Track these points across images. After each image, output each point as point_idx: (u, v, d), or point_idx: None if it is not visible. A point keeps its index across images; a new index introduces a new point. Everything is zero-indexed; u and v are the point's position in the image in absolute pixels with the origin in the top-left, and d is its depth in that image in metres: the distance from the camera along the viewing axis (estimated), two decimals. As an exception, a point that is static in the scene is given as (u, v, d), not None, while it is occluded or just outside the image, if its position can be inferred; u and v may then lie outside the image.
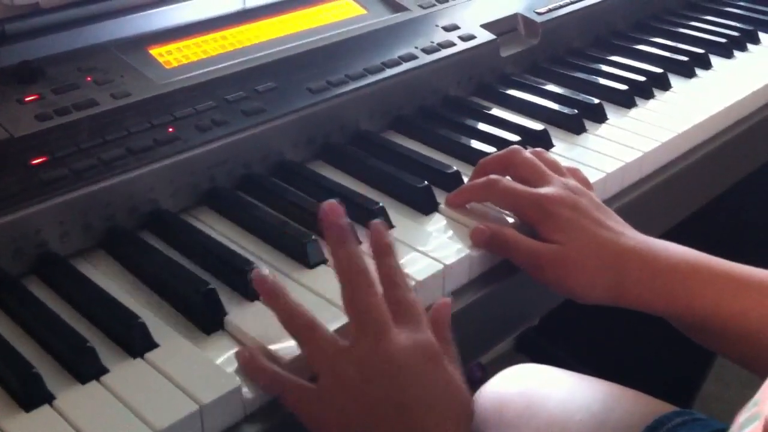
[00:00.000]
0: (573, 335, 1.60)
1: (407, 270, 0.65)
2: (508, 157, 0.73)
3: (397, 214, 0.73)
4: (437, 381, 0.56)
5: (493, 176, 0.71)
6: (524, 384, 0.90)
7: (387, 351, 0.55)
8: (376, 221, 0.62)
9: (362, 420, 0.54)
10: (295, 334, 0.57)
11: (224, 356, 0.57)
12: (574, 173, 0.74)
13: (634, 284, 0.66)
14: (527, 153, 0.73)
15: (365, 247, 0.68)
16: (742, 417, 0.46)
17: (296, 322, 0.57)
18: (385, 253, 0.60)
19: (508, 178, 0.72)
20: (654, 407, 0.82)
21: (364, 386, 0.54)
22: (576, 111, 0.89)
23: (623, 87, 0.95)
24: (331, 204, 0.60)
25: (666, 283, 0.66)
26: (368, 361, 0.55)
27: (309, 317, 0.57)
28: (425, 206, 0.74)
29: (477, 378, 1.27)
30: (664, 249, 0.67)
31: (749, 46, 1.11)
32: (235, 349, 0.57)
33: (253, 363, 0.56)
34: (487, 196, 0.72)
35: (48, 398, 0.53)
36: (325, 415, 0.55)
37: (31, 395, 0.53)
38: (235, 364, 0.56)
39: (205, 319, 0.60)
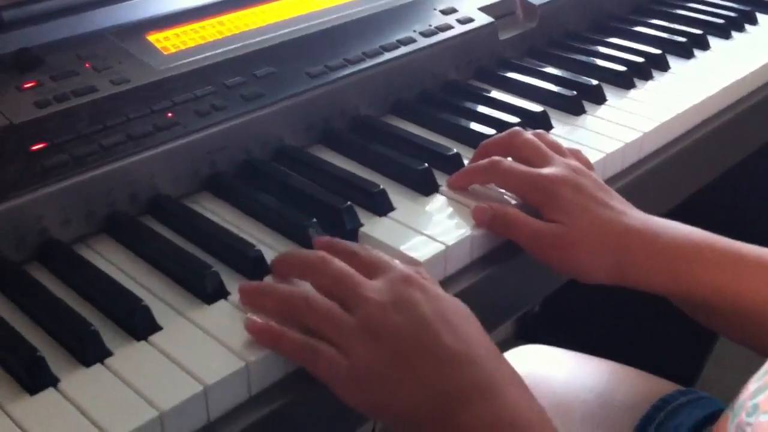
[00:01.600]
0: (572, 322, 1.60)
1: (410, 253, 0.65)
2: (509, 139, 0.73)
3: (397, 196, 0.73)
4: (440, 302, 0.56)
5: (495, 158, 0.71)
6: (527, 365, 0.90)
7: (373, 300, 0.55)
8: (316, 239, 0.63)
9: (400, 370, 0.53)
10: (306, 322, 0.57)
11: (228, 337, 0.57)
12: (576, 154, 0.74)
13: (636, 264, 0.66)
14: (528, 134, 0.73)
15: (367, 229, 0.68)
16: (752, 386, 0.46)
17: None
18: (337, 251, 0.60)
19: (509, 159, 0.72)
20: (658, 386, 0.82)
21: (394, 335, 0.54)
22: (575, 92, 0.89)
23: (622, 68, 0.95)
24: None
25: (668, 263, 0.66)
26: (374, 317, 0.54)
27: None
28: (426, 188, 0.74)
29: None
30: (666, 228, 0.67)
31: (747, 26, 1.11)
32: (245, 333, 0.56)
33: (270, 331, 0.55)
34: (489, 177, 0.72)
35: (53, 381, 0.53)
36: (366, 380, 0.53)
37: (36, 379, 0.53)
38: (238, 345, 0.56)
39: (209, 301, 0.60)
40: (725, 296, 0.66)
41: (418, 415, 0.52)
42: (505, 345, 0.97)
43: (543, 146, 0.72)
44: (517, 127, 0.74)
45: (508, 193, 0.72)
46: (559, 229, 0.66)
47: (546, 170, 0.69)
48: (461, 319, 0.56)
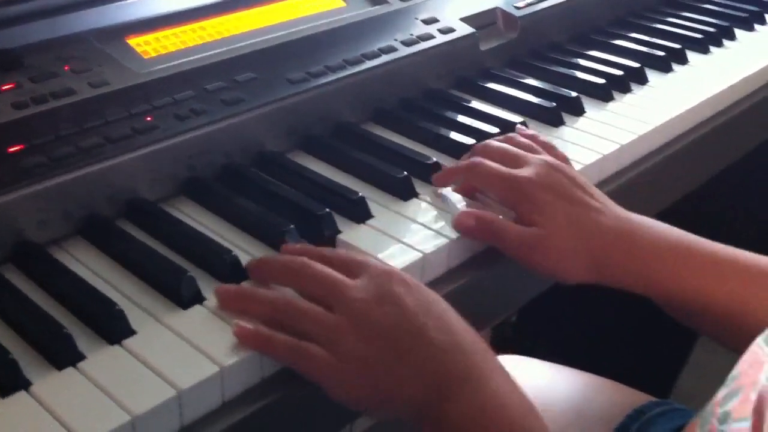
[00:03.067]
0: (549, 333, 1.60)
1: (387, 260, 0.65)
2: (479, 151, 0.73)
3: (376, 204, 0.73)
4: (422, 293, 0.57)
5: (475, 159, 0.71)
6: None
7: (358, 297, 0.55)
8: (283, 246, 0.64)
9: (390, 362, 0.54)
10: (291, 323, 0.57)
11: (203, 342, 0.57)
12: (550, 150, 0.75)
13: (613, 263, 0.67)
14: (496, 143, 0.73)
15: (345, 236, 0.68)
16: (722, 392, 0.46)
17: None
18: (312, 257, 0.60)
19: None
20: (633, 397, 0.83)
21: (386, 315, 0.54)
22: (554, 104, 0.90)
23: (601, 81, 0.96)
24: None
25: (644, 263, 0.66)
26: (360, 313, 0.55)
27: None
28: (405, 196, 0.74)
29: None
30: (644, 227, 0.68)
31: (725, 41, 1.12)
32: (221, 337, 0.56)
33: (259, 335, 0.55)
34: (470, 177, 0.72)
35: (24, 384, 0.53)
36: (353, 372, 0.54)
37: (8, 381, 0.52)
38: (213, 350, 0.56)
39: (185, 306, 0.60)
40: (702, 297, 0.66)
41: (412, 405, 0.53)
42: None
43: (515, 151, 0.72)
44: (485, 141, 0.75)
45: (483, 199, 0.73)
46: (536, 232, 0.66)
47: (521, 171, 0.69)
48: (444, 311, 0.57)
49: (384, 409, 0.55)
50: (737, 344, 0.65)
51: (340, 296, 0.56)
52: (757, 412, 0.43)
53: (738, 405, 0.44)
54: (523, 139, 0.75)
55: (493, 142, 0.73)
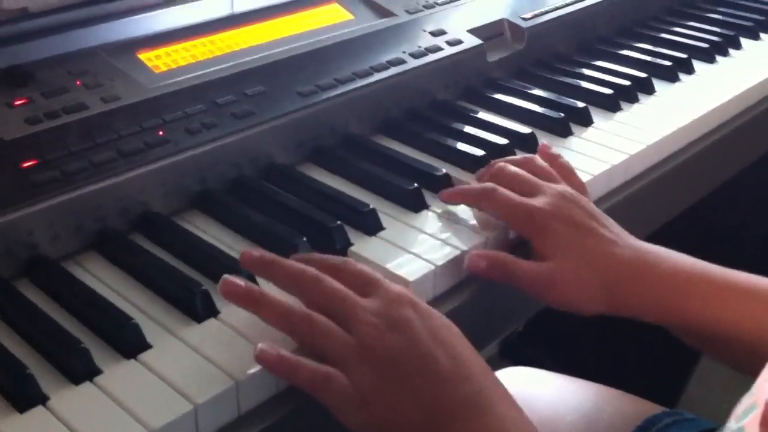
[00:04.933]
0: (556, 342, 1.60)
1: (399, 272, 0.66)
2: (495, 175, 0.72)
3: (387, 216, 0.73)
4: (432, 320, 0.56)
5: (489, 184, 0.70)
6: (512, 387, 0.90)
7: (369, 321, 0.55)
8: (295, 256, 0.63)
9: (403, 386, 0.53)
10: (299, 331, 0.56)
11: (218, 355, 0.57)
12: (569, 177, 0.74)
13: (627, 295, 0.66)
14: (512, 168, 0.72)
15: (356, 248, 0.68)
16: (740, 409, 0.46)
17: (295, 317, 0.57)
18: (322, 268, 0.60)
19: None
20: (643, 408, 0.83)
21: (387, 353, 0.54)
22: (562, 114, 0.90)
23: (608, 91, 0.96)
24: (243, 253, 0.61)
25: (659, 294, 0.66)
26: (371, 339, 0.54)
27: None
28: (415, 208, 0.74)
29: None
30: (657, 257, 0.67)
31: (731, 51, 1.12)
32: (236, 351, 0.57)
33: (284, 361, 0.55)
34: (481, 202, 0.71)
35: (42, 399, 0.53)
36: (362, 400, 0.53)
37: (25, 396, 0.53)
38: (228, 363, 0.56)
39: (199, 319, 0.60)
40: (717, 326, 0.66)
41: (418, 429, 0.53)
42: (490, 365, 0.98)
43: (530, 178, 0.71)
44: (500, 162, 0.74)
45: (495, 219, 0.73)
46: (551, 268, 0.66)
47: (537, 201, 0.68)
48: (453, 337, 0.57)
49: None
50: (754, 371, 0.66)
51: (350, 316, 0.55)
52: (765, 424, 0.43)
53: (752, 420, 0.44)
54: (541, 163, 0.74)
55: (510, 167, 0.72)
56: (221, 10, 0.87)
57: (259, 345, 0.55)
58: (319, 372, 0.54)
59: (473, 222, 0.72)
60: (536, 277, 0.66)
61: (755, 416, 0.43)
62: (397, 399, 0.53)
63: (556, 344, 1.61)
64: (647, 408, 0.83)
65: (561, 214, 0.67)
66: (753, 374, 0.63)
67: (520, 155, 0.77)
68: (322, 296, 0.57)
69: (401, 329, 0.55)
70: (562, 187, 0.71)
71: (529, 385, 0.90)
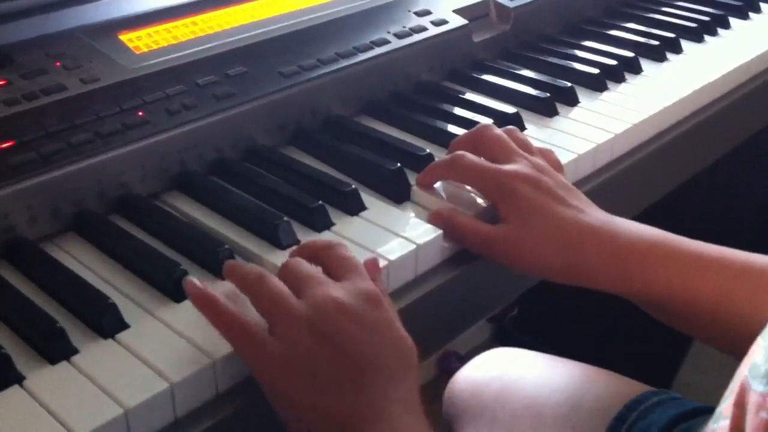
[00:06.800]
0: (550, 325, 1.60)
1: (381, 252, 0.65)
2: (477, 134, 0.72)
3: (369, 196, 0.73)
4: (380, 325, 0.55)
5: (457, 152, 0.70)
6: (499, 368, 0.90)
7: (334, 298, 0.54)
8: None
9: (315, 386, 0.53)
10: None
11: (196, 335, 0.56)
12: (546, 155, 0.74)
13: (588, 264, 0.65)
14: (497, 130, 0.72)
15: (338, 228, 0.68)
16: (719, 408, 0.45)
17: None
18: (316, 249, 0.60)
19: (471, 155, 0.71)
20: (630, 388, 0.82)
21: (317, 346, 0.53)
22: (548, 94, 0.90)
23: (594, 71, 0.95)
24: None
25: (621, 264, 0.65)
26: (314, 319, 0.54)
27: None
28: (398, 188, 0.74)
29: (454, 368, 1.27)
30: (624, 229, 0.66)
31: (719, 30, 1.12)
32: (213, 330, 0.55)
33: (207, 298, 0.55)
34: (452, 173, 0.71)
35: (18, 379, 0.53)
36: (286, 379, 0.53)
37: (1, 376, 0.52)
38: (206, 343, 0.56)
39: (178, 299, 0.60)
40: (679, 296, 0.65)
41: (321, 425, 0.53)
42: (483, 348, 0.97)
43: (509, 142, 0.71)
44: (486, 123, 0.74)
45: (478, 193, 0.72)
46: (507, 231, 0.66)
47: (506, 166, 0.68)
48: (392, 342, 0.55)
49: (296, 416, 0.53)
50: (722, 344, 0.65)
51: (311, 289, 0.55)
52: (738, 405, 0.42)
53: (728, 406, 0.43)
54: (521, 135, 0.74)
55: (494, 129, 0.72)
56: (203, -9, 0.87)
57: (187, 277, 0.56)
58: (239, 318, 0.54)
59: (445, 194, 0.72)
60: (490, 239, 0.66)
61: (722, 428, 0.43)
62: (321, 385, 0.52)
63: (550, 327, 1.61)
64: (634, 388, 0.83)
65: (530, 179, 0.67)
66: (724, 349, 0.63)
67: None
68: (258, 297, 0.56)
69: (328, 335, 0.53)
70: (537, 159, 0.71)
71: (515, 366, 0.90)
